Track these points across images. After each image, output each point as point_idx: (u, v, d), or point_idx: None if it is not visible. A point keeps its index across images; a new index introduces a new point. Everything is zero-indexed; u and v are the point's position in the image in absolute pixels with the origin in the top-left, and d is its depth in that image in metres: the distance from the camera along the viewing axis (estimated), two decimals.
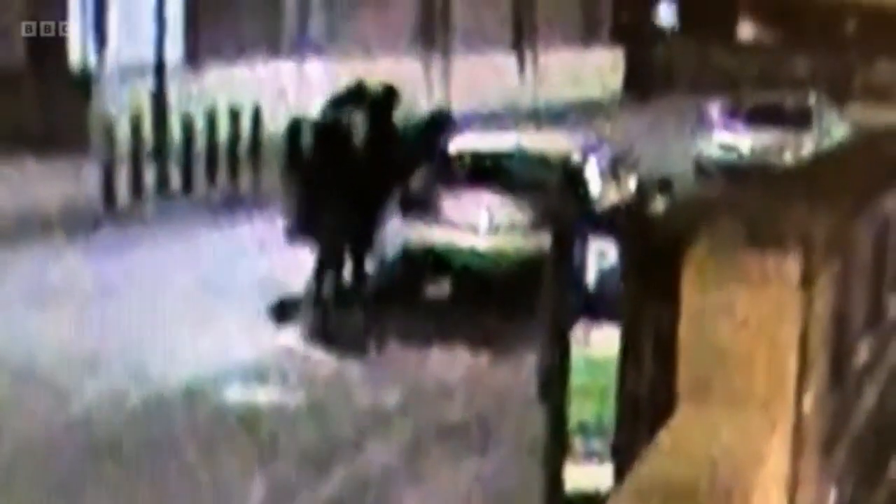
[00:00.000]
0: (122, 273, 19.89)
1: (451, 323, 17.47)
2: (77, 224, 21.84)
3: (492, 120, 28.67)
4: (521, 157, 19.79)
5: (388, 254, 18.44)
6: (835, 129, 33.27)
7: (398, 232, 18.42)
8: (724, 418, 6.38)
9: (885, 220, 13.14)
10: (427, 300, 18.47)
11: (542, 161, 19.67)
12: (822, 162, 21.81)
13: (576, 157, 20.05)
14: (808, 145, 29.81)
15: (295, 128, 19.11)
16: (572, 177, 19.14)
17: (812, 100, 36.74)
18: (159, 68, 26.62)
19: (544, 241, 11.55)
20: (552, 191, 18.10)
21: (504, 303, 16.66)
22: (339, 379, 16.21)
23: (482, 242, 18.42)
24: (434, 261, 18.42)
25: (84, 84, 27.91)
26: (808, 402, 7.20)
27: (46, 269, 19.68)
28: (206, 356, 16.35)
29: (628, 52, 52.61)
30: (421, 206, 18.70)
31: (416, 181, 18.89)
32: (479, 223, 18.50)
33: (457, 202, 18.79)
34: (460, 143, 20.32)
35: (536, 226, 17.08)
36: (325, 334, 17.27)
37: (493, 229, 18.25)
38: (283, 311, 18.08)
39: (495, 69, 43.29)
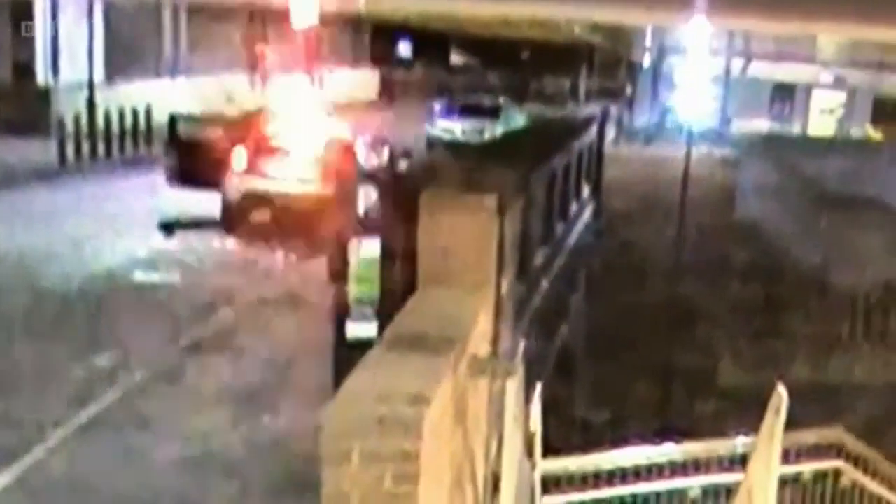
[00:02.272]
0: (71, 202, 20.96)
1: (273, 236, 18.07)
2: (44, 174, 23.29)
3: (295, 113, 29.11)
4: (313, 136, 20.45)
5: (231, 194, 19.09)
6: (517, 119, 33.73)
7: (238, 181, 19.08)
8: (449, 296, 6.48)
9: (553, 173, 13.46)
10: (256, 222, 19.14)
11: (328, 138, 20.40)
12: (510, 138, 22.21)
13: (349, 137, 20.74)
14: (499, 129, 30.15)
15: (172, 119, 20.63)
16: (348, 148, 19.95)
17: (501, 100, 37.24)
18: (90, 84, 28.15)
19: (329, 188, 11.94)
20: (335, 157, 18.74)
21: (305, 224, 17.35)
22: (202, 267, 16.80)
23: (290, 188, 19.07)
24: (262, 199, 19.04)
25: (46, 94, 29.73)
26: (505, 286, 7.35)
27: (27, 197, 20.87)
28: (121, 253, 16.98)
29: (381, 73, 52.70)
30: (252, 166, 19.31)
31: (249, 151, 19.59)
32: (288, 176, 19.22)
33: (274, 163, 19.36)
34: (275, 127, 20.93)
35: (325, 178, 17.78)
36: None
37: (298, 180, 19.04)
38: (166, 227, 18.85)
39: (297, 81, 43.73)
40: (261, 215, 19.25)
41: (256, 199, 19.08)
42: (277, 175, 19.29)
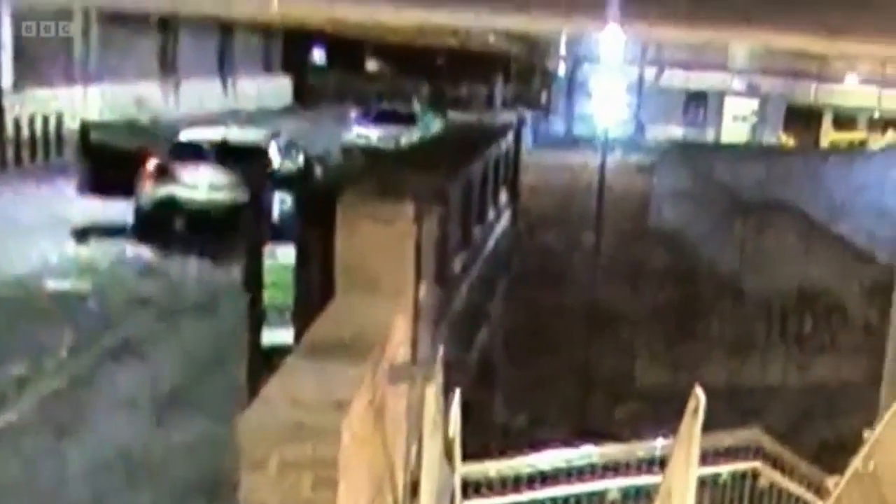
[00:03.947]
0: None
1: (186, 244, 17.94)
2: None
3: (208, 120, 28.83)
4: (226, 143, 20.35)
5: (143, 202, 19.11)
6: (434, 125, 33.79)
7: (150, 188, 19.09)
8: (366, 302, 6.47)
9: (470, 179, 13.50)
10: (167, 230, 19.06)
11: (241, 145, 20.30)
12: (427, 146, 22.22)
13: (264, 143, 20.74)
14: (415, 135, 30.18)
15: (84, 128, 20.67)
16: (262, 154, 19.93)
17: (416, 107, 37.26)
18: None
19: (244, 194, 11.88)
20: (249, 164, 18.70)
21: (218, 231, 17.29)
22: (114, 275, 16.54)
23: (203, 195, 19.02)
24: (174, 206, 19.07)
25: None
26: (423, 292, 7.36)
27: None
28: (32, 261, 16.66)
29: (294, 78, 52.50)
30: (165, 173, 19.24)
31: (163, 158, 19.54)
32: (200, 183, 19.19)
33: (187, 170, 19.30)
34: (188, 134, 20.81)
35: (239, 185, 17.71)
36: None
37: (211, 187, 18.92)
38: (80, 234, 18.64)
39: (208, 88, 43.40)
40: (174, 223, 19.20)
41: (169, 207, 19.02)
42: (190, 182, 19.18)
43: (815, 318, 17.33)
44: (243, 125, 25.88)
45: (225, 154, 19.70)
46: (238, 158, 19.24)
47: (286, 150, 20.92)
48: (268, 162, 19.78)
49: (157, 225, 19.06)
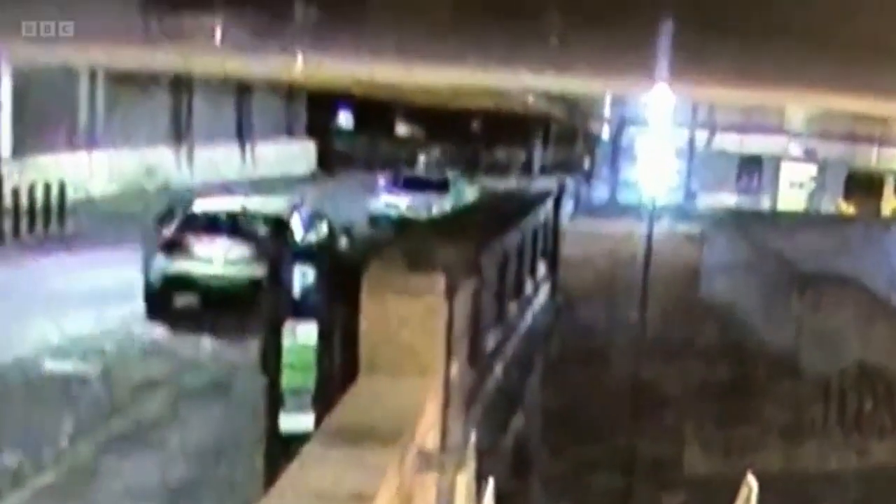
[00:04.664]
0: None
1: (200, 322, 18.17)
2: None
3: (225, 189, 29.10)
4: (246, 213, 20.50)
5: (153, 277, 19.26)
6: (467, 192, 34.00)
7: (162, 263, 19.31)
8: (393, 385, 6.47)
9: (506, 251, 13.53)
10: (179, 307, 19.42)
11: (262, 216, 20.45)
12: (460, 215, 22.30)
13: (285, 213, 20.96)
14: (447, 204, 30.37)
15: None
16: (283, 226, 20.05)
17: (449, 174, 37.54)
18: None
19: (262, 269, 11.94)
20: (269, 235, 18.89)
21: (234, 308, 17.37)
22: (120, 355, 16.63)
23: (219, 270, 19.21)
24: (187, 282, 19.34)
25: None
26: (454, 373, 7.36)
27: None
28: (31, 341, 16.75)
29: (319, 143, 52.92)
30: (177, 247, 19.47)
31: (174, 231, 19.87)
32: (215, 257, 19.36)
33: (202, 243, 19.45)
34: (203, 204, 21.00)
35: (257, 259, 17.80)
36: None
37: (227, 261, 18.98)
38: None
39: (225, 154, 43.65)
40: (187, 299, 19.28)
41: (182, 282, 19.13)
42: (205, 256, 19.29)
43: (875, 400, 17.17)
44: (263, 194, 26.11)
45: (242, 226, 19.87)
46: (257, 230, 19.42)
47: (309, 221, 21.11)
48: (289, 234, 19.94)
49: (169, 301, 19.18)
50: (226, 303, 18.33)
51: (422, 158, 50.98)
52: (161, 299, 19.25)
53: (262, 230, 19.49)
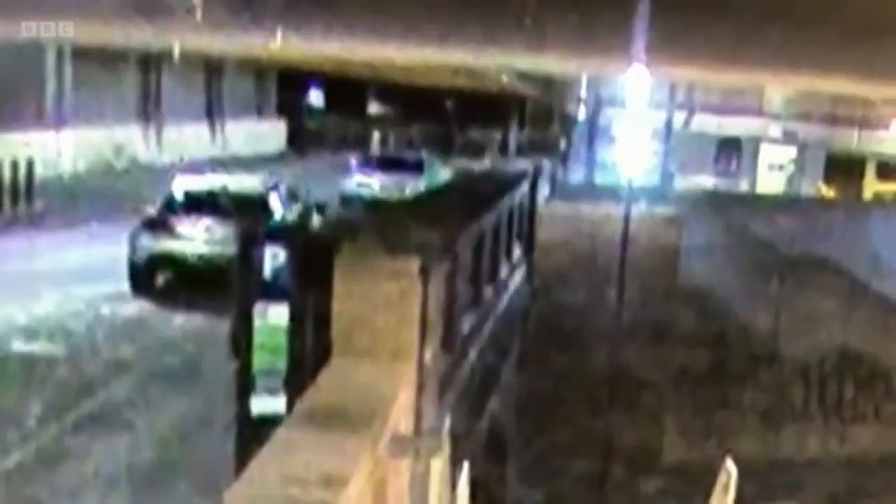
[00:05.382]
0: None
1: (176, 301, 18.34)
2: None
3: (195, 168, 29.11)
4: (225, 192, 20.62)
5: (137, 256, 19.49)
6: (441, 173, 33.94)
7: (146, 242, 19.51)
8: (366, 368, 6.47)
9: (481, 233, 13.52)
10: (162, 285, 19.64)
11: (244, 195, 20.74)
12: (433, 195, 22.26)
13: (263, 192, 21.36)
14: (421, 184, 30.30)
15: None
16: (264, 205, 20.44)
17: (423, 154, 37.49)
18: None
19: (233, 248, 11.97)
20: (247, 214, 18.98)
21: (212, 288, 17.42)
22: (89, 336, 16.51)
23: (200, 248, 19.47)
24: (170, 260, 19.65)
25: None
26: (428, 356, 7.35)
27: None
28: None
29: (290, 122, 52.81)
30: (160, 225, 19.77)
31: (158, 210, 20.21)
32: (198, 235, 19.62)
33: (184, 223, 19.85)
34: (182, 183, 21.27)
35: (228, 237, 17.95)
36: None
37: (210, 240, 19.24)
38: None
39: (194, 133, 43.57)
40: (166, 278, 19.53)
41: (165, 260, 19.36)
42: (187, 235, 19.52)
43: (856, 385, 17.27)
44: (237, 172, 26.13)
45: (224, 205, 20.10)
46: (236, 209, 19.58)
47: (286, 199, 21.43)
48: (270, 213, 20.27)
49: (152, 279, 19.40)
50: (204, 282, 18.46)
51: (392, 138, 50.96)
52: (144, 277, 19.58)
53: (244, 209, 19.62)
